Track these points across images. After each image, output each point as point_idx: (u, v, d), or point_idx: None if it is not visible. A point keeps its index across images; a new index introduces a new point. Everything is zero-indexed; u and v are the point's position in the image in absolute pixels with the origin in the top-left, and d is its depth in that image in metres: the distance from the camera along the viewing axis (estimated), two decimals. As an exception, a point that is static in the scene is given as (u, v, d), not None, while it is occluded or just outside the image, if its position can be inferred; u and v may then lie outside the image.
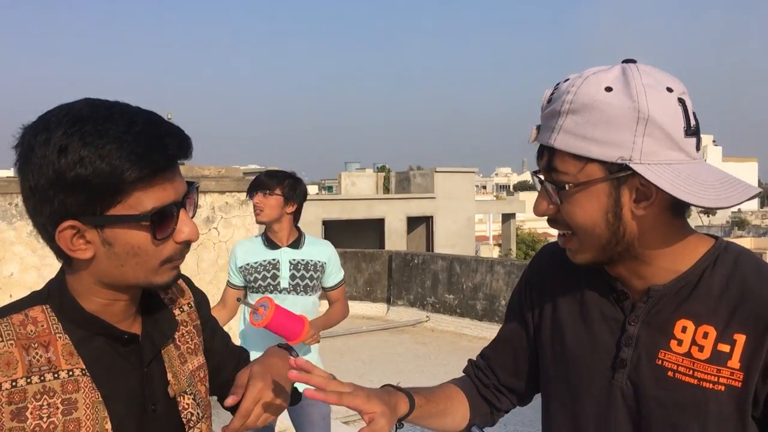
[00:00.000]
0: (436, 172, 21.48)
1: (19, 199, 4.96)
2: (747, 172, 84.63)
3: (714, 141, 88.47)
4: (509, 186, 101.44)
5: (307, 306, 3.14)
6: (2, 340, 0.98)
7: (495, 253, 31.04)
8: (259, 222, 3.19)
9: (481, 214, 36.22)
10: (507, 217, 29.02)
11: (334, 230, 20.74)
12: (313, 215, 19.29)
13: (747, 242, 46.10)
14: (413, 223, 21.36)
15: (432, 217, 21.22)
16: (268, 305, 2.75)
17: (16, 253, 4.95)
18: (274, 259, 3.17)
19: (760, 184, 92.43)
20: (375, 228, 20.74)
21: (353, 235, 20.47)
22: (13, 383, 0.96)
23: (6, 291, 4.88)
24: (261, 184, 3.14)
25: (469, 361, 1.44)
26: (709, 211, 59.24)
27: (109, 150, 0.92)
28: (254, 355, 3.30)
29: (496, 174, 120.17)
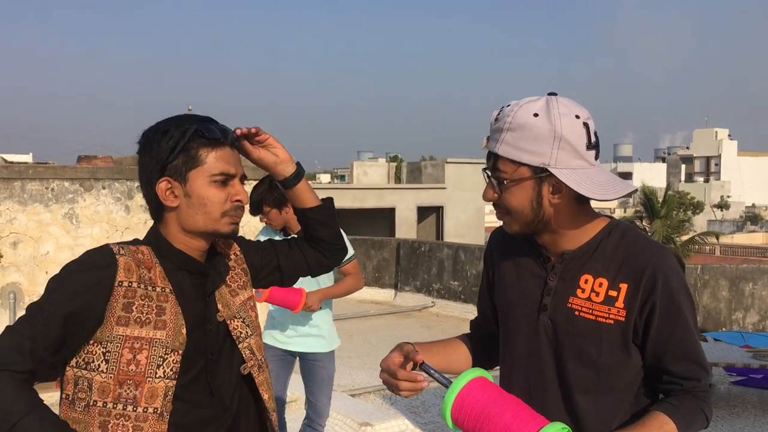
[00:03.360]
0: (447, 162, 21.74)
1: (54, 184, 5.42)
2: (763, 167, 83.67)
3: (729, 135, 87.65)
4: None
5: (311, 284, 3.44)
6: (125, 256, 1.44)
7: (505, 243, 31.10)
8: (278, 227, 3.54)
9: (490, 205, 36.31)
10: (517, 209, 29.15)
11: (345, 218, 21.09)
12: (325, 204, 19.61)
13: (759, 237, 45.93)
14: (423, 213, 21.65)
15: (442, 207, 21.51)
16: None
17: (51, 233, 5.41)
18: None
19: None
20: (386, 217, 21.07)
21: (364, 224, 20.82)
22: (130, 284, 1.42)
23: (42, 268, 5.34)
24: (276, 200, 3.45)
25: (471, 321, 1.83)
26: (722, 206, 59.21)
27: (187, 129, 1.48)
28: (277, 332, 3.81)
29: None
